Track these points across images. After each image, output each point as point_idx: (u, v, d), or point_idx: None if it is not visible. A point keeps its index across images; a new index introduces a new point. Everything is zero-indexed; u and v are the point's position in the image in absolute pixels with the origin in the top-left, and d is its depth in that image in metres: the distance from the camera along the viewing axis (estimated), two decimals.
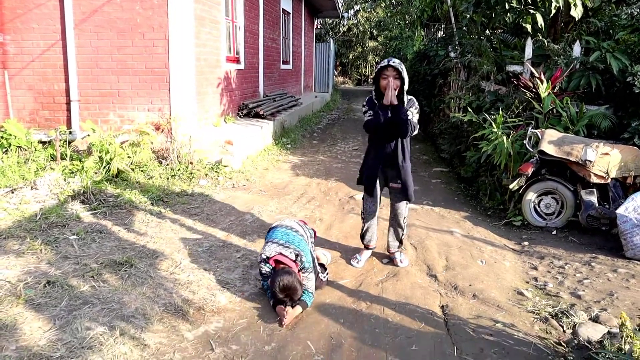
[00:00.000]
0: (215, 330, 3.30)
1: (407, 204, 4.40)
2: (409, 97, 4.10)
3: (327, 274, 4.11)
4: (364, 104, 4.21)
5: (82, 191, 5.85)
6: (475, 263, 4.52)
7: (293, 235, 3.77)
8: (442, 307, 3.73)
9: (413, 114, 4.07)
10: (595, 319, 3.47)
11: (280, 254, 3.61)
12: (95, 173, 6.59)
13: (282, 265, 3.56)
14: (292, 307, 3.52)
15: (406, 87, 3.98)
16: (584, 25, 7.57)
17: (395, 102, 3.92)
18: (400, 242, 4.51)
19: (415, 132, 4.11)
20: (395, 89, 3.92)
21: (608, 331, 3.30)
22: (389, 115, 3.99)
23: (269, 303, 3.65)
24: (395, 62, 3.95)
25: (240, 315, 3.51)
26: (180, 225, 5.23)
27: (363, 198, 4.52)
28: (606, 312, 3.56)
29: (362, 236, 4.60)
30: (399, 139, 4.13)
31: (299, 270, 3.65)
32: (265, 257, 3.64)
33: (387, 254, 4.61)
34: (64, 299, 3.46)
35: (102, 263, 4.10)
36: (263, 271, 3.69)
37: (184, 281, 3.91)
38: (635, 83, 5.88)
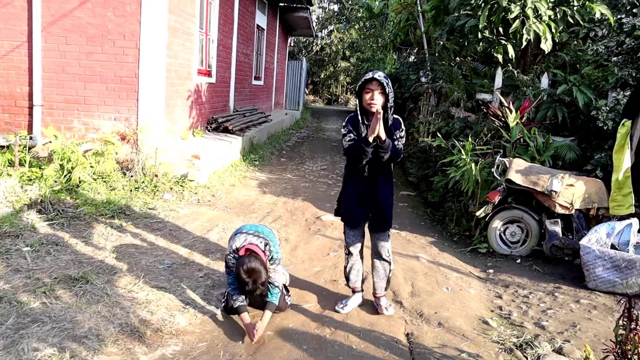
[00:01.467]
0: (173, 354, 3.15)
1: (388, 234, 3.91)
2: (395, 116, 3.70)
3: (290, 296, 4.00)
4: (344, 124, 3.72)
5: (39, 200, 5.61)
6: (440, 290, 4.49)
7: (262, 227, 3.77)
8: (407, 335, 3.67)
9: (399, 139, 3.67)
10: (559, 351, 3.47)
11: (250, 243, 3.54)
12: (55, 182, 6.35)
13: (249, 249, 3.51)
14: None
15: (391, 104, 3.58)
16: (552, 58, 7.77)
17: (383, 137, 3.45)
18: (388, 281, 3.99)
19: (400, 157, 3.76)
20: (378, 118, 3.36)
21: None
22: (372, 143, 3.50)
23: (234, 326, 3.52)
24: (380, 75, 3.52)
25: (200, 338, 3.37)
26: (141, 240, 5.05)
27: (344, 231, 3.98)
28: (569, 343, 3.57)
29: (347, 277, 4.03)
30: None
31: (267, 260, 3.58)
32: (234, 248, 3.55)
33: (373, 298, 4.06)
34: (11, 316, 3.26)
35: (56, 278, 3.91)
36: (230, 264, 3.59)
37: (143, 300, 3.75)
38: (599, 117, 6.05)
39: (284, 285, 4.00)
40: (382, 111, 3.40)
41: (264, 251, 3.55)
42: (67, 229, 5.12)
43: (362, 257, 4.05)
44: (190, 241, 5.19)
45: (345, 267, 4.03)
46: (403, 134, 3.73)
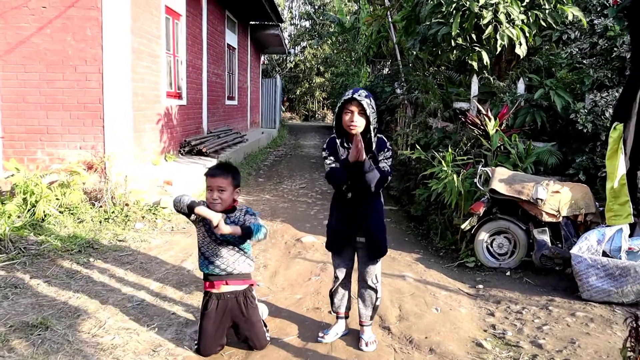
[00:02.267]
0: None
1: (377, 260, 3.61)
2: (379, 136, 3.41)
3: (268, 330, 3.70)
4: (324, 147, 3.48)
5: None
6: (430, 311, 4.24)
7: None
8: None
9: (385, 160, 3.38)
10: None
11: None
12: (19, 217, 5.98)
13: None
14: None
15: (373, 125, 3.30)
16: (526, 63, 7.68)
17: (363, 158, 3.17)
18: (375, 309, 3.68)
19: (388, 181, 3.45)
20: (358, 143, 3.10)
21: None
22: (353, 167, 3.26)
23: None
24: (360, 94, 3.25)
25: None
26: (109, 277, 4.73)
27: (331, 254, 3.76)
28: None
29: (331, 299, 3.77)
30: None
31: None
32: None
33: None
34: None
35: (12, 326, 3.57)
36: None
37: (108, 345, 3.43)
38: (578, 120, 5.94)
39: (263, 320, 3.70)
40: (360, 137, 3.12)
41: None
42: (28, 268, 4.77)
43: (349, 281, 3.77)
44: (163, 274, 4.88)
45: (331, 289, 3.77)
46: (389, 154, 3.42)
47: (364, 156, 3.17)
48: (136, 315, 3.95)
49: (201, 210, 3.21)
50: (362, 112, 3.26)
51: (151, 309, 4.07)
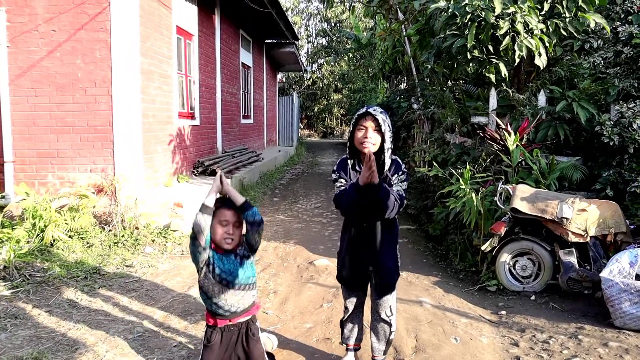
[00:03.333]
0: None
1: (392, 291, 3.32)
2: (394, 158, 3.13)
3: None
4: (335, 168, 3.21)
5: (3, 266, 5.13)
6: (448, 341, 3.95)
7: None
8: None
9: (400, 184, 3.08)
10: None
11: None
12: (27, 242, 5.88)
13: None
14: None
15: (388, 145, 3.03)
16: (546, 74, 7.40)
17: (376, 181, 2.84)
18: (388, 343, 3.41)
19: (403, 207, 3.10)
20: (370, 162, 2.76)
21: None
22: (364, 191, 2.92)
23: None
24: (375, 109, 3.04)
25: None
26: (113, 305, 4.55)
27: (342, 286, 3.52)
28: None
29: (342, 328, 3.53)
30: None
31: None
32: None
33: None
34: None
35: None
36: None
37: None
38: (604, 132, 5.64)
39: (270, 353, 3.46)
40: (373, 157, 2.80)
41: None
42: (32, 296, 4.63)
43: (361, 311, 3.51)
44: (168, 302, 4.68)
45: (341, 319, 3.52)
46: (404, 177, 3.11)
47: (377, 179, 2.85)
48: (137, 347, 3.75)
49: (213, 190, 2.95)
50: (377, 128, 3.01)
51: (152, 341, 3.86)
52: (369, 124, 3.01)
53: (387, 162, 3.07)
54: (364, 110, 3.07)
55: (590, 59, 6.92)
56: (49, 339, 3.80)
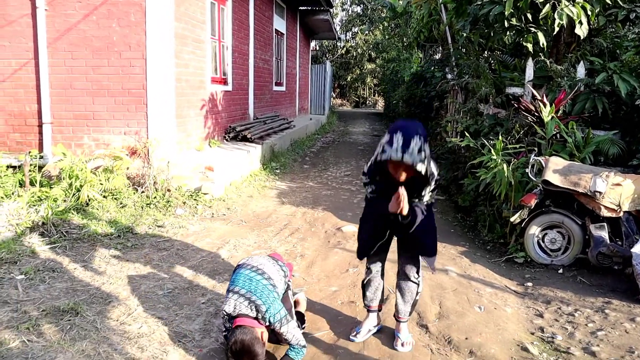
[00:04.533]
0: None
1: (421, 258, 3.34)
2: (431, 172, 2.91)
3: (305, 322, 3.55)
4: (364, 171, 3.15)
5: (42, 222, 5.33)
6: (472, 310, 3.97)
7: (257, 280, 3.12)
8: None
9: (428, 195, 3.06)
10: None
11: (240, 315, 2.99)
12: (64, 201, 6.08)
13: (241, 323, 2.98)
14: None
15: (433, 169, 2.90)
16: (587, 45, 7.14)
17: (405, 212, 2.88)
18: (414, 304, 3.43)
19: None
20: (400, 200, 2.80)
21: None
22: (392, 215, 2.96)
23: None
24: (413, 151, 2.69)
25: None
26: (145, 262, 4.70)
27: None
28: None
29: (363, 292, 3.55)
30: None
31: (267, 327, 3.09)
32: (224, 313, 3.04)
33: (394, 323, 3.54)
34: None
35: (44, 310, 3.57)
36: (226, 325, 3.11)
37: (134, 334, 3.37)
38: None
39: (301, 313, 3.55)
40: (403, 193, 2.79)
41: (256, 318, 3.03)
42: (68, 252, 4.81)
43: (383, 273, 3.55)
44: (198, 261, 4.81)
45: (363, 281, 3.55)
46: (434, 185, 3.02)
47: (406, 211, 2.87)
48: (166, 303, 3.88)
49: None
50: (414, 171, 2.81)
51: (182, 298, 4.00)
52: (404, 169, 2.84)
53: (432, 180, 2.93)
54: (397, 156, 2.70)
55: (636, 29, 6.64)
56: (84, 292, 3.97)
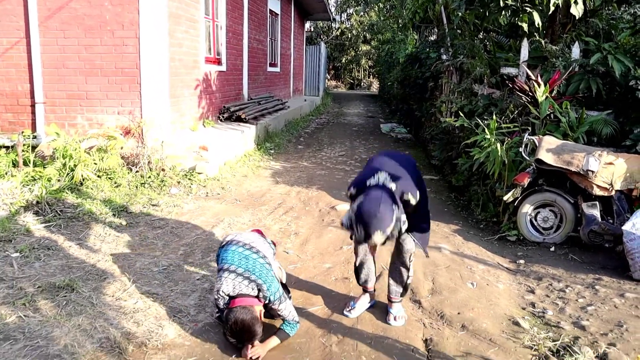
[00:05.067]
0: None
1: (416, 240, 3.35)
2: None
3: (290, 296, 3.54)
4: (352, 184, 3.12)
5: (36, 201, 5.33)
6: (465, 286, 4.02)
7: (253, 259, 3.12)
8: (426, 340, 3.23)
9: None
10: (603, 358, 2.98)
11: (240, 295, 2.99)
12: (58, 180, 6.07)
13: (240, 303, 2.98)
14: (262, 341, 3.01)
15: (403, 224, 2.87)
16: (582, 26, 7.12)
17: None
18: (405, 288, 3.50)
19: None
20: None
21: None
22: None
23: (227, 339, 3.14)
24: (376, 238, 2.77)
25: (188, 352, 3.00)
26: (140, 240, 4.72)
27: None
28: (615, 348, 3.07)
29: (356, 274, 3.59)
30: None
31: (265, 305, 3.12)
32: (225, 292, 3.02)
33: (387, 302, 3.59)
34: None
35: (40, 287, 3.59)
36: (220, 306, 3.09)
37: (130, 309, 3.40)
38: (639, 87, 5.44)
39: (284, 285, 3.56)
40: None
41: (257, 297, 3.05)
42: (63, 230, 4.82)
43: (373, 255, 3.57)
44: (192, 239, 4.83)
45: (355, 264, 3.58)
46: (408, 197, 3.00)
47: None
48: (161, 280, 3.91)
49: None
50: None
51: (177, 274, 4.03)
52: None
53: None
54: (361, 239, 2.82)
55: (631, 10, 6.63)
56: (80, 269, 3.99)
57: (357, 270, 3.58)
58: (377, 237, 2.74)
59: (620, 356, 2.97)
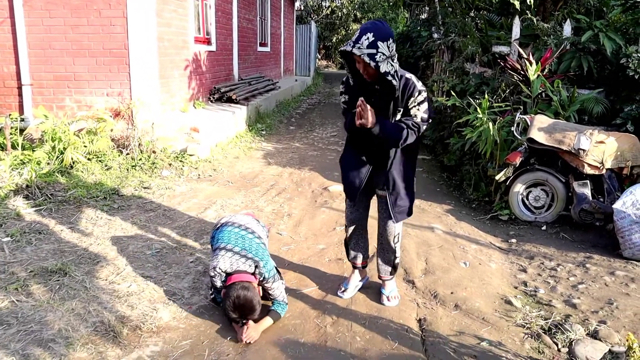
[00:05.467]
0: (151, 356, 2.78)
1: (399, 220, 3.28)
2: (407, 76, 2.93)
3: (283, 281, 3.52)
4: (342, 85, 3.22)
5: (26, 185, 5.27)
6: (457, 265, 4.05)
7: (250, 239, 3.16)
8: (420, 320, 3.26)
9: (418, 107, 2.94)
10: (594, 335, 3.02)
11: (238, 271, 3.01)
12: (48, 164, 6.01)
13: (238, 279, 3.00)
14: (256, 322, 3.03)
15: (385, 69, 2.77)
16: (574, 4, 7.08)
17: (369, 124, 2.84)
18: (394, 268, 3.45)
19: (420, 133, 3.05)
20: (362, 110, 2.79)
21: (609, 350, 2.86)
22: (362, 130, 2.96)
23: (222, 319, 3.15)
24: (362, 45, 2.73)
25: (183, 335, 3.00)
26: (132, 223, 4.69)
27: (345, 200, 3.47)
28: (606, 325, 3.12)
29: (347, 250, 3.59)
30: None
31: (259, 283, 3.13)
32: (222, 270, 3.02)
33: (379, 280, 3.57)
34: None
35: (32, 271, 3.56)
36: (217, 284, 3.09)
37: (124, 293, 3.39)
38: (630, 65, 5.44)
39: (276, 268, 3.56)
40: (364, 105, 2.78)
41: (254, 274, 3.06)
42: (54, 214, 4.78)
43: (365, 230, 3.54)
44: (185, 221, 4.82)
45: (345, 239, 3.57)
46: (422, 98, 2.93)
47: (370, 124, 2.82)
48: (154, 263, 3.90)
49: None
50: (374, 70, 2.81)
51: (170, 257, 4.01)
52: (360, 62, 2.84)
53: (395, 82, 2.83)
54: (348, 47, 2.79)
55: None
56: (72, 253, 3.96)
57: (347, 244, 3.56)
58: (363, 48, 2.74)
59: (611, 333, 3.01)
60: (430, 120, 3.13)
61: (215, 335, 3.01)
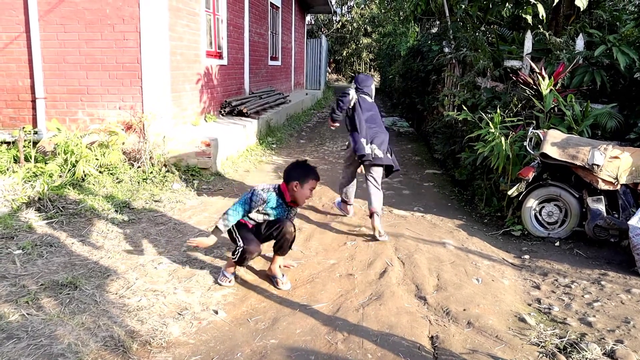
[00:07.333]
0: None
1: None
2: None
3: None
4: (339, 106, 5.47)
5: (38, 197, 5.30)
6: (470, 282, 3.99)
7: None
8: (432, 337, 3.21)
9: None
10: (611, 355, 2.96)
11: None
12: (60, 176, 6.04)
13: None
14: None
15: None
16: (586, 18, 7.06)
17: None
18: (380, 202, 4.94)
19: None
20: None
21: None
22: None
23: (232, 335, 3.12)
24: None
25: (193, 350, 2.98)
26: (142, 237, 4.69)
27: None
28: (623, 345, 3.05)
29: (341, 190, 5.48)
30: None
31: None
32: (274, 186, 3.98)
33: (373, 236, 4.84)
34: None
35: (43, 285, 3.57)
36: (261, 196, 3.83)
37: (134, 307, 3.38)
38: None
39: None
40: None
41: None
42: (65, 227, 4.79)
43: (355, 177, 5.47)
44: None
45: (340, 183, 5.57)
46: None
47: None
48: (164, 277, 3.89)
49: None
50: None
51: (180, 271, 4.00)
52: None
53: None
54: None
55: (635, 1, 6.57)
56: (83, 266, 3.97)
57: (341, 187, 5.49)
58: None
59: (629, 353, 2.94)
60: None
61: (225, 352, 2.98)
